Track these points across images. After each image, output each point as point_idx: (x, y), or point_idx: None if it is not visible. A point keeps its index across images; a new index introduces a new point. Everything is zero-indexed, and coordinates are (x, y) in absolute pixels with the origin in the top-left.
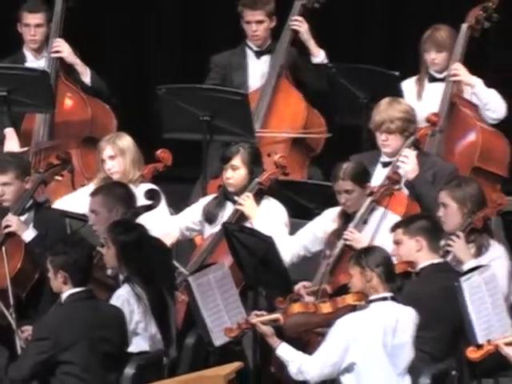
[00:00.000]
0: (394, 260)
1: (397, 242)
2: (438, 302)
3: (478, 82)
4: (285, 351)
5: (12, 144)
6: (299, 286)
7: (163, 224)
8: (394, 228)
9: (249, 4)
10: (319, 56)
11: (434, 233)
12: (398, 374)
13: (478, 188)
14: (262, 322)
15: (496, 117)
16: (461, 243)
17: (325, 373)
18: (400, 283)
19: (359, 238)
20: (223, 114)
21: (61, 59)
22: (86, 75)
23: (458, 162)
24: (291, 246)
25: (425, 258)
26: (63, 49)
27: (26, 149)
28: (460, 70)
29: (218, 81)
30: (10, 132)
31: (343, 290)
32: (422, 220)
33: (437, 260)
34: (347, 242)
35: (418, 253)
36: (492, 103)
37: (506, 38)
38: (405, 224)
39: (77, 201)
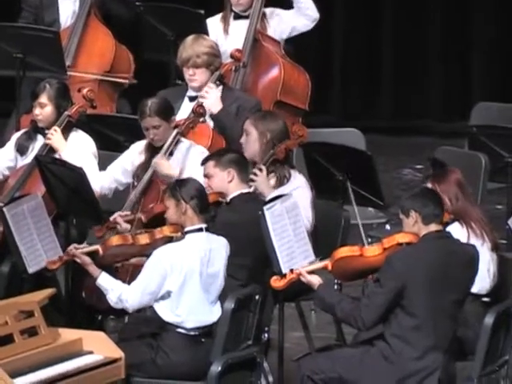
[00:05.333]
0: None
1: (208, 176)
2: (248, 230)
3: None
4: (105, 280)
5: None
6: (115, 215)
7: None
8: (204, 162)
9: None
10: None
11: (243, 164)
12: (211, 302)
13: (281, 122)
14: (82, 253)
15: (314, 15)
16: (263, 177)
17: (143, 301)
18: (213, 213)
19: (166, 165)
20: (36, 52)
21: None
22: None
23: (262, 96)
24: (102, 179)
25: (235, 189)
26: None
27: None
28: None
29: (30, 20)
30: None
31: (158, 219)
32: (231, 153)
33: (246, 190)
34: (155, 169)
35: (229, 184)
36: (308, 2)
37: None
38: (215, 157)
39: None
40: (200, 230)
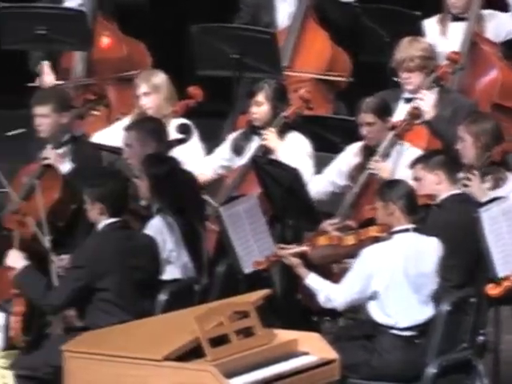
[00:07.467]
0: None
1: (417, 178)
2: (459, 230)
3: None
4: (314, 281)
5: (48, 77)
6: (325, 224)
7: (197, 165)
8: (413, 164)
9: None
10: None
11: (452, 166)
12: (422, 302)
13: (493, 123)
14: (290, 254)
15: None
16: (476, 181)
17: (351, 300)
18: (423, 214)
19: (384, 167)
20: (252, 52)
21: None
22: None
23: (479, 98)
24: (317, 183)
25: (445, 190)
26: None
27: (60, 82)
28: None
29: (247, 20)
30: (46, 65)
31: (368, 224)
32: (439, 155)
33: (456, 191)
34: (373, 171)
35: (438, 186)
36: None
37: None
38: (423, 160)
39: (112, 135)
40: (407, 230)
